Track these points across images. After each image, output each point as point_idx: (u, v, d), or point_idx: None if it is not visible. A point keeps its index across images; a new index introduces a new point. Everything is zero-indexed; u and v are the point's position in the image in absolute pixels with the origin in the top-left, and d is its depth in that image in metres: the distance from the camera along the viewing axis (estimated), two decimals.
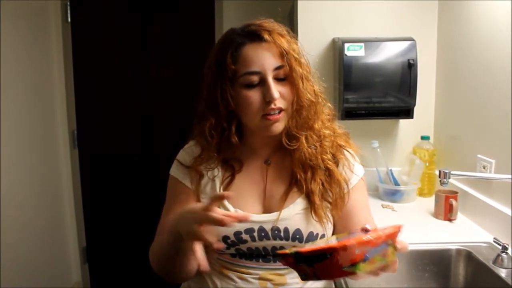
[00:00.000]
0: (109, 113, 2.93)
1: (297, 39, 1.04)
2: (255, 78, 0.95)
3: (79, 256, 3.01)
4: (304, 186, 1.00)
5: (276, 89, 0.95)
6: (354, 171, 1.05)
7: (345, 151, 1.05)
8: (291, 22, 2.28)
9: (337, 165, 1.03)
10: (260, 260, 1.01)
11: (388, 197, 1.96)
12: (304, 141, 0.99)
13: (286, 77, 0.97)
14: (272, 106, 0.95)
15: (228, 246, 0.99)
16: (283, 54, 0.96)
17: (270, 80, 0.95)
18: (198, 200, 1.05)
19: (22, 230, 2.35)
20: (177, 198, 1.06)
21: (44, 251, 2.58)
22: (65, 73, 2.81)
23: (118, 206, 3.01)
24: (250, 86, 0.96)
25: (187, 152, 1.08)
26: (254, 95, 0.96)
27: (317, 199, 0.98)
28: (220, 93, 0.98)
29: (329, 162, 1.01)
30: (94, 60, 2.86)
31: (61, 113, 2.84)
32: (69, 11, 2.76)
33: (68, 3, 2.76)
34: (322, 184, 1.00)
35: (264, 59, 0.95)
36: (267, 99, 0.95)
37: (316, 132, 1.01)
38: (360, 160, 1.10)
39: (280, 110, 0.97)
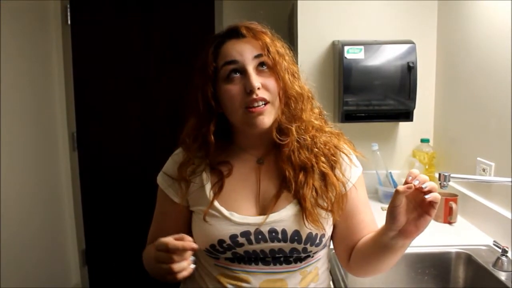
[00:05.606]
0: (109, 115, 2.93)
1: (282, 39, 1.02)
2: (234, 67, 0.94)
3: (78, 258, 3.01)
4: (294, 188, 0.96)
5: (258, 80, 0.92)
6: (352, 172, 1.03)
7: (341, 153, 1.02)
8: (290, 24, 2.28)
9: (333, 169, 0.99)
10: (260, 264, 0.98)
11: (388, 200, 1.92)
12: (294, 132, 0.96)
13: (269, 69, 0.95)
14: (254, 96, 0.91)
15: (224, 250, 0.97)
16: (263, 47, 0.95)
17: (251, 69, 0.93)
18: (186, 208, 1.03)
19: (22, 232, 2.34)
20: (161, 209, 1.08)
21: (44, 253, 2.58)
22: (65, 75, 2.81)
23: (118, 208, 3.00)
24: (231, 78, 0.94)
25: (174, 160, 1.06)
26: (234, 88, 0.93)
27: (308, 205, 0.94)
28: (200, 93, 0.97)
29: (324, 165, 0.98)
30: (94, 62, 2.86)
31: (61, 115, 2.84)
32: (69, 13, 2.76)
33: (68, 5, 2.76)
34: (316, 191, 0.96)
35: (243, 50, 0.94)
36: (248, 89, 0.92)
37: (305, 124, 0.98)
38: (359, 162, 1.07)
39: (265, 102, 0.93)
